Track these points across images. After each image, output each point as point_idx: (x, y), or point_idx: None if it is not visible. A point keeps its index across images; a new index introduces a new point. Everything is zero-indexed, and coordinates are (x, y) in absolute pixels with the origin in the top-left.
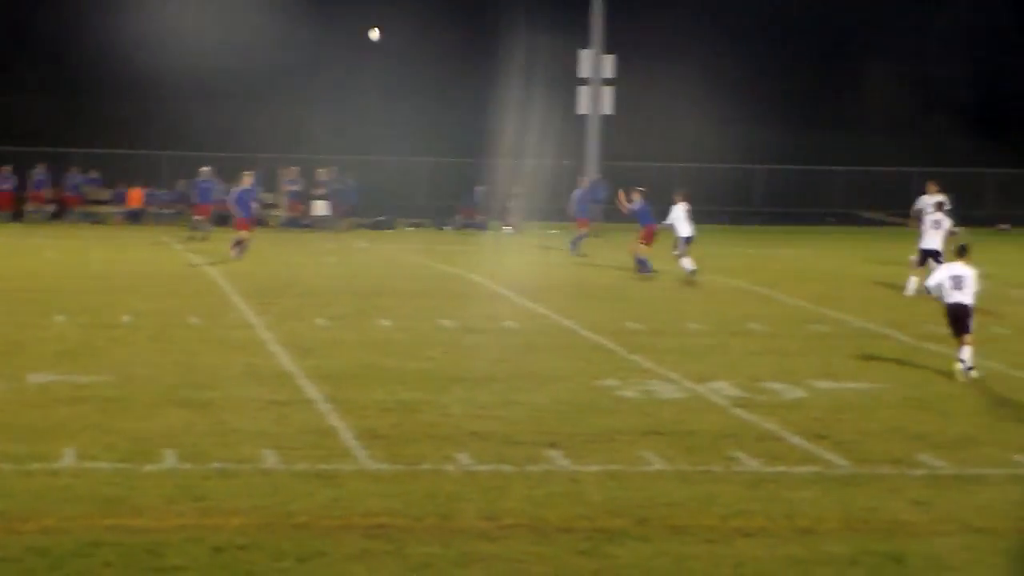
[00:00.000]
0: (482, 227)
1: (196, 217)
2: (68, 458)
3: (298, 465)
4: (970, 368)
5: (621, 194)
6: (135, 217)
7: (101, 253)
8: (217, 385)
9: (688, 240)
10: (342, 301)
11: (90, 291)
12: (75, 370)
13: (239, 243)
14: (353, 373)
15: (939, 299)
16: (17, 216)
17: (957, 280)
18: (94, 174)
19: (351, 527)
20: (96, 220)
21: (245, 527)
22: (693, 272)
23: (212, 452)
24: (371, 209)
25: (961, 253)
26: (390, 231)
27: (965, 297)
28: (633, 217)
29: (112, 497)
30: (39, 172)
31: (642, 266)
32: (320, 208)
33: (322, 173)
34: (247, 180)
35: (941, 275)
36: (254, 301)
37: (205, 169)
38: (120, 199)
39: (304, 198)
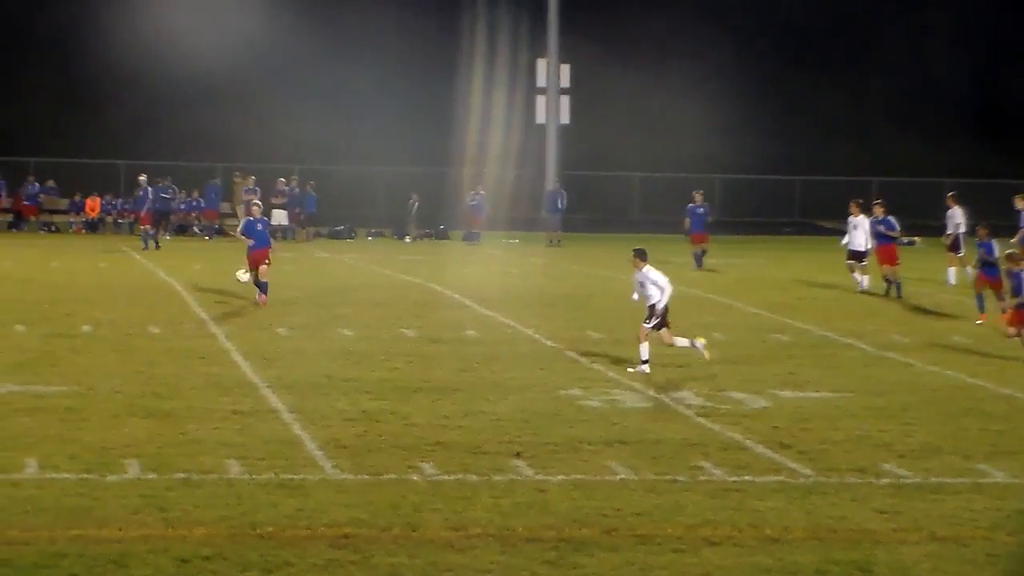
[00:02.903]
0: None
1: (142, 227)
2: (30, 469)
3: (262, 475)
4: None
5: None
6: (93, 226)
7: (60, 263)
8: (179, 395)
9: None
10: (303, 311)
11: (49, 301)
12: (35, 380)
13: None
14: (316, 383)
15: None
16: None
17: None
18: (51, 183)
19: (317, 537)
20: (54, 229)
21: (210, 538)
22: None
23: (176, 462)
24: (330, 218)
25: (645, 255)
26: (350, 240)
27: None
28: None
29: (76, 508)
30: None
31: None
32: (279, 217)
33: (281, 182)
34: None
35: (660, 276)
36: (215, 311)
37: (142, 178)
38: (78, 208)
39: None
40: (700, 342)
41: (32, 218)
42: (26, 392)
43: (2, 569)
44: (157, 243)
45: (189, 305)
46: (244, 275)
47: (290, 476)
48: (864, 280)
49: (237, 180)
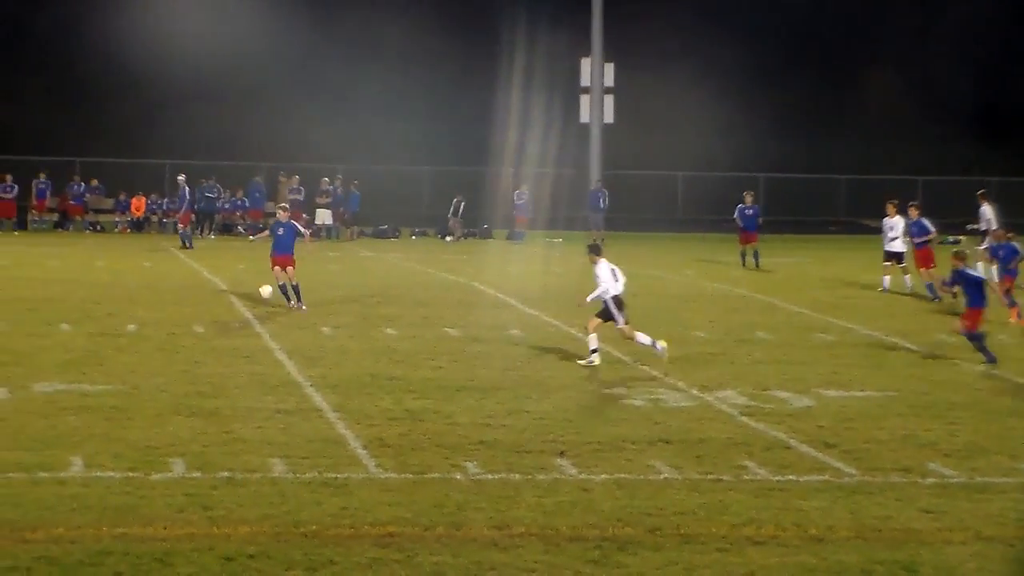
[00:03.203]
0: (520, 237)
1: (180, 226)
2: (76, 467)
3: (306, 474)
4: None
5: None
6: (138, 226)
7: (105, 262)
8: (224, 394)
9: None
10: (347, 310)
11: (95, 300)
12: (81, 379)
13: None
14: (360, 382)
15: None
16: (20, 225)
17: (615, 272)
18: (96, 183)
19: (361, 536)
20: (99, 229)
21: (254, 536)
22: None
23: (220, 461)
24: (374, 218)
25: (599, 251)
26: (394, 239)
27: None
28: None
29: (121, 506)
30: (41, 181)
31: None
32: (323, 217)
33: (325, 182)
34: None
35: (608, 272)
36: (259, 310)
37: (181, 178)
38: (123, 208)
39: (306, 207)
40: (596, 360)
41: (77, 218)
42: (72, 391)
43: (48, 567)
44: (190, 243)
45: (233, 304)
46: (267, 290)
47: (334, 475)
48: (906, 279)
49: (282, 180)
